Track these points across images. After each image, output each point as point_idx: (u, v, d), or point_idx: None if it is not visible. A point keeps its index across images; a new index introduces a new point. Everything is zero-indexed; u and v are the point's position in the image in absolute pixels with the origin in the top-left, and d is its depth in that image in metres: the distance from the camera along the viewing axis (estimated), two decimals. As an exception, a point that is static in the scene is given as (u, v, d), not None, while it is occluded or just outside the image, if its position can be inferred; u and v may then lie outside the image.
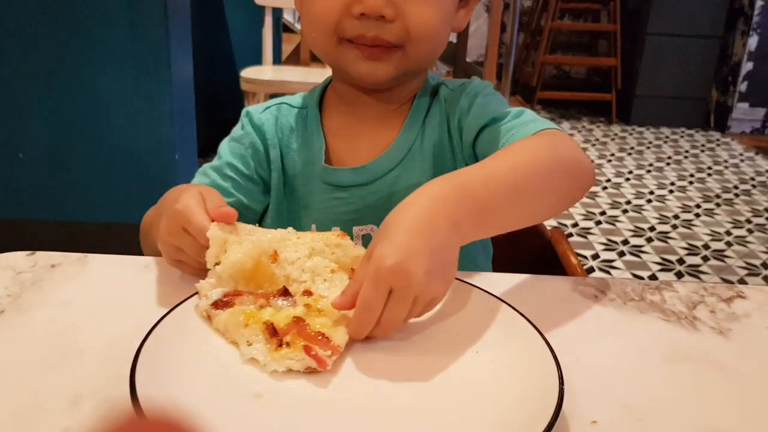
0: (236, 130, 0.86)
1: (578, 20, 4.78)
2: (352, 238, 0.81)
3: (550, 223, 2.90)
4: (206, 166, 0.84)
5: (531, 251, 1.03)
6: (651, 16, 4.22)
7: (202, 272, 0.60)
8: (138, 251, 0.77)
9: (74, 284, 0.66)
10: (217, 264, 0.59)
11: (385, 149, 0.80)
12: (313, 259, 0.61)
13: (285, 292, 0.59)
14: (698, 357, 0.58)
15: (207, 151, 3.42)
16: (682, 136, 4.30)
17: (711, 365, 0.57)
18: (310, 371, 0.52)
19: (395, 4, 0.71)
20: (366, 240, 0.81)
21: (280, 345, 0.52)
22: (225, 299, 0.57)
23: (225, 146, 0.84)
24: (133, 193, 2.22)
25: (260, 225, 0.87)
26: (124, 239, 2.23)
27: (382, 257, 0.53)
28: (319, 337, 0.53)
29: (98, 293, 0.65)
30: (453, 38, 3.22)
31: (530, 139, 0.70)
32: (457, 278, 0.60)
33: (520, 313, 0.57)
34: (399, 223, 0.56)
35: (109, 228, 2.24)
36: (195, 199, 0.63)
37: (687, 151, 4.01)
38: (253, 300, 0.58)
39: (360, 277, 0.56)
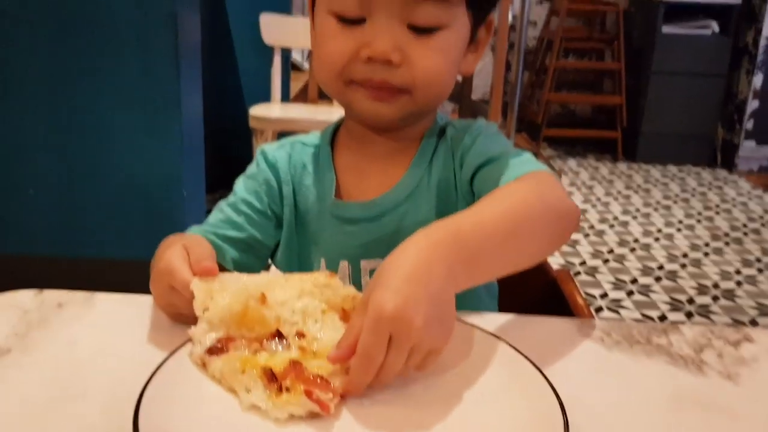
0: (251, 168, 0.88)
1: (582, 59, 4.83)
2: (360, 272, 0.82)
3: (556, 262, 2.89)
4: (222, 203, 0.86)
5: (537, 291, 1.02)
6: (655, 54, 4.25)
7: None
8: (145, 286, 0.78)
9: (80, 323, 0.66)
10: (206, 311, 0.59)
11: (393, 185, 0.82)
12: (302, 300, 0.61)
13: (278, 335, 0.58)
14: (705, 401, 0.57)
15: (215, 187, 3.44)
16: (688, 174, 4.30)
17: (718, 410, 0.56)
18: (312, 416, 0.51)
19: (402, 50, 0.72)
20: (374, 274, 0.81)
21: (280, 390, 0.52)
22: (219, 345, 0.57)
23: (240, 183, 0.87)
24: (140, 228, 2.22)
25: (272, 259, 0.89)
26: (130, 275, 2.23)
27: (381, 303, 0.52)
28: (318, 380, 0.53)
29: (103, 333, 0.65)
30: (458, 77, 3.25)
31: (519, 183, 0.70)
32: (459, 319, 0.60)
33: (524, 355, 0.57)
34: (395, 269, 0.55)
35: (117, 264, 2.24)
36: (177, 255, 0.64)
37: (694, 189, 4.00)
38: (246, 344, 0.57)
39: (355, 326, 0.54)
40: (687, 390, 0.59)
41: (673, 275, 2.84)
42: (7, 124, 2.11)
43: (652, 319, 2.46)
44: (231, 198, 0.86)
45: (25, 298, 0.69)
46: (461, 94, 3.38)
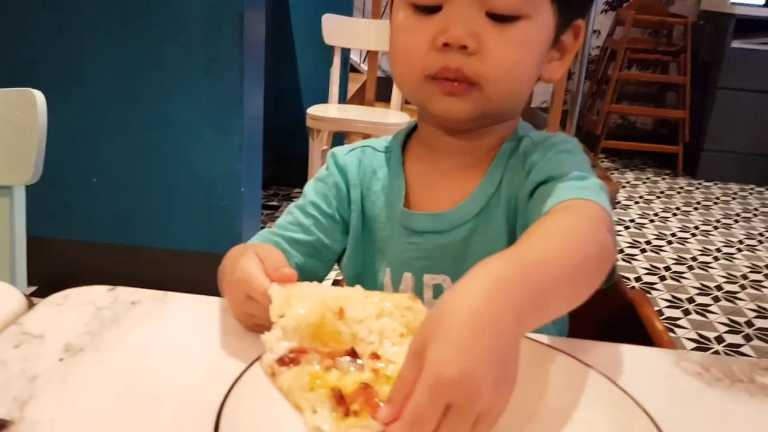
0: (322, 171, 0.87)
1: (646, 71, 4.71)
2: (423, 286, 0.79)
3: (629, 279, 2.82)
4: (291, 206, 0.85)
5: (609, 314, 0.98)
6: (723, 69, 4.13)
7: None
8: (205, 278, 0.77)
9: (153, 324, 0.65)
10: (282, 317, 0.57)
11: (464, 199, 0.79)
12: (381, 320, 0.58)
13: (352, 353, 0.56)
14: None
15: (270, 183, 3.48)
16: (751, 193, 4.17)
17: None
18: None
19: (479, 37, 0.69)
20: (437, 290, 0.79)
21: (347, 414, 0.49)
22: (291, 355, 0.55)
23: (310, 186, 0.86)
24: (200, 222, 2.25)
25: (338, 265, 0.87)
26: (190, 267, 2.27)
27: (442, 363, 0.44)
28: None
29: (176, 336, 0.64)
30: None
31: (575, 216, 0.63)
32: (546, 344, 0.56)
33: (624, 391, 0.53)
34: (458, 316, 0.46)
35: (176, 255, 2.27)
36: (252, 264, 0.62)
37: (756, 209, 3.87)
38: (319, 359, 0.55)
39: (407, 379, 0.46)
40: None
41: (731, 296, 2.74)
42: (74, 114, 2.16)
43: (708, 339, 2.39)
44: (301, 201, 0.85)
45: (98, 293, 0.69)
46: (521, 102, 3.31)
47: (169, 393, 0.54)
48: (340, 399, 0.50)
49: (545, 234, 0.60)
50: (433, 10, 0.71)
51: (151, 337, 0.62)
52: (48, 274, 2.31)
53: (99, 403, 0.53)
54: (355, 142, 0.90)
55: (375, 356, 0.55)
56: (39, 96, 1.14)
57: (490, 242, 0.77)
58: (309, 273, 0.82)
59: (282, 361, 0.54)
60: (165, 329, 0.64)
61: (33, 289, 2.31)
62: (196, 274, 2.30)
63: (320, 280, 0.84)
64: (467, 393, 0.44)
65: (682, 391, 0.59)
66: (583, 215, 0.64)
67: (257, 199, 2.47)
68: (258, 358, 0.55)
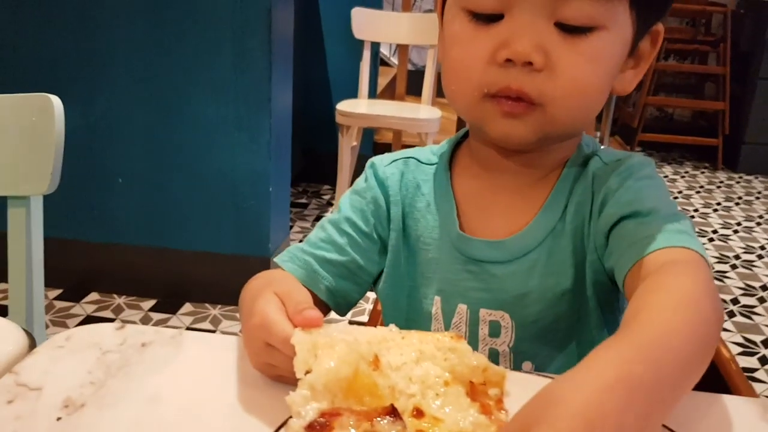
0: (359, 182, 0.79)
1: (684, 61, 4.57)
2: (478, 321, 0.71)
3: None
4: (325, 220, 0.77)
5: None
6: (764, 59, 4.00)
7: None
8: (228, 282, 0.70)
9: (165, 372, 0.58)
10: (308, 372, 0.49)
11: (525, 225, 0.70)
12: (422, 366, 0.52)
13: (392, 412, 0.48)
14: None
15: (299, 180, 3.42)
16: (793, 188, 4.03)
17: None
18: None
19: (547, 51, 0.61)
20: (493, 327, 0.70)
21: None
22: (321, 420, 0.47)
23: (346, 199, 0.78)
24: (227, 223, 2.21)
25: (374, 288, 0.79)
26: (216, 269, 2.22)
27: None
28: None
29: (190, 387, 0.56)
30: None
31: (693, 284, 0.54)
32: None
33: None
34: (570, 407, 0.40)
35: (203, 257, 2.23)
36: (272, 306, 0.55)
37: (799, 205, 3.73)
38: (354, 421, 0.47)
39: None
40: None
41: (779, 299, 2.63)
42: (99, 114, 2.12)
43: (754, 343, 2.29)
44: (335, 215, 0.77)
45: (105, 333, 0.62)
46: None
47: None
48: None
49: (662, 310, 0.51)
50: (493, 18, 0.62)
51: (162, 390, 0.55)
52: (73, 277, 2.29)
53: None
54: (397, 151, 0.81)
55: (418, 412, 0.49)
56: (56, 101, 1.08)
57: (555, 276, 0.69)
58: (341, 296, 0.74)
59: (312, 428, 0.47)
60: (178, 379, 0.57)
61: (59, 292, 2.29)
62: (223, 277, 2.26)
63: (353, 304, 0.77)
64: None
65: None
66: (694, 278, 0.55)
67: (285, 199, 2.41)
68: (283, 424, 0.48)
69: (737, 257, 2.99)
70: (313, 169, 3.30)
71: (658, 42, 0.69)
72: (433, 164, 0.78)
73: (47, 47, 2.08)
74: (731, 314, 2.48)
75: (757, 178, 4.16)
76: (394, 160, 0.79)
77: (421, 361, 0.52)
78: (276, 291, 0.57)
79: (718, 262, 2.92)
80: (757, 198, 3.81)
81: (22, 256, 1.10)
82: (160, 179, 2.19)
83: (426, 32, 2.80)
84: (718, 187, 3.97)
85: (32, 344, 0.62)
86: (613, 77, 0.66)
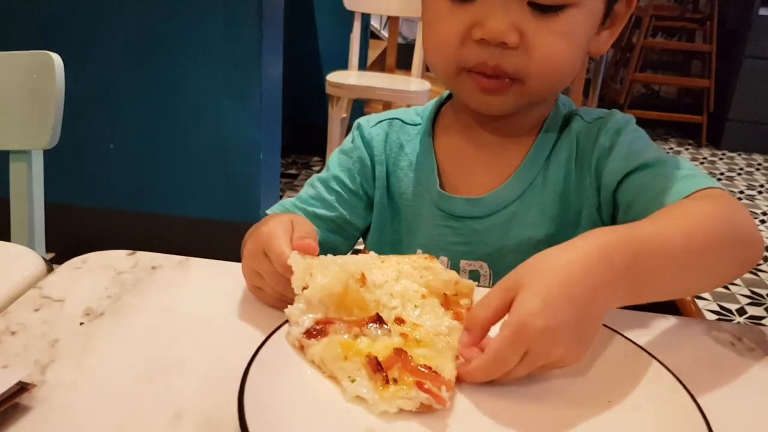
0: (347, 142, 0.83)
1: (672, 39, 4.61)
2: (459, 272, 0.75)
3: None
4: (314, 178, 0.82)
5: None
6: (749, 37, 4.03)
7: (278, 303, 0.57)
8: (220, 247, 0.74)
9: (174, 289, 0.64)
10: (305, 288, 0.55)
11: (504, 182, 0.74)
12: (401, 283, 0.58)
13: (378, 319, 0.54)
14: None
15: (289, 151, 3.45)
16: (775, 165, 4.09)
17: None
18: (422, 410, 0.47)
19: (521, 31, 0.63)
20: (473, 276, 0.76)
21: (387, 381, 0.48)
22: (317, 327, 0.53)
23: (334, 158, 0.82)
24: (218, 189, 2.24)
25: (363, 240, 0.84)
26: (208, 234, 2.27)
27: (531, 315, 0.47)
28: (426, 370, 0.49)
29: (198, 301, 0.62)
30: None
31: (702, 201, 0.61)
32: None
33: (663, 365, 0.51)
34: (557, 275, 0.49)
35: (194, 223, 2.27)
36: (282, 227, 0.60)
37: (781, 180, 3.81)
38: (346, 328, 0.54)
39: (489, 306, 0.51)
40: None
41: (755, 269, 2.70)
42: (91, 80, 2.14)
43: (729, 311, 2.37)
44: (324, 174, 0.82)
45: (117, 258, 0.68)
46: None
47: (191, 358, 0.53)
48: (376, 366, 0.49)
49: (666, 216, 0.59)
50: None
51: (172, 303, 0.61)
52: (66, 241, 2.32)
53: (121, 367, 0.52)
54: (384, 111, 0.85)
55: (400, 320, 0.55)
56: (57, 59, 1.12)
57: (532, 227, 0.74)
58: (330, 249, 0.79)
59: (309, 334, 0.53)
60: (186, 295, 0.63)
61: (51, 255, 2.32)
62: (214, 242, 2.30)
63: None
64: (545, 347, 0.48)
65: (714, 360, 0.58)
66: (712, 200, 0.61)
67: (276, 167, 2.45)
68: (282, 324, 0.54)
69: (717, 230, 3.07)
70: (303, 141, 3.33)
71: (633, 2, 0.72)
72: (416, 125, 0.81)
73: (40, 12, 2.09)
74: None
75: (739, 155, 4.21)
76: (379, 121, 0.82)
77: (400, 279, 0.58)
78: (291, 218, 0.63)
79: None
80: (739, 174, 3.86)
81: (24, 209, 1.14)
82: (151, 145, 2.22)
83: (416, 4, 2.78)
84: (702, 163, 4.02)
85: (49, 269, 0.67)
86: (587, 46, 0.70)
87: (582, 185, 0.73)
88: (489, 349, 0.49)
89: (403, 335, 0.53)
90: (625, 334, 0.56)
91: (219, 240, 2.07)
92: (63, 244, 2.37)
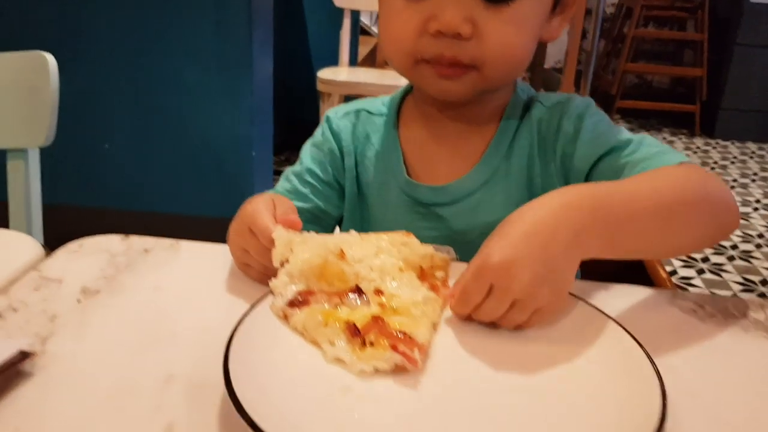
0: (317, 135, 0.86)
1: (663, 28, 4.64)
2: None
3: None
4: (289, 171, 0.84)
5: (618, 265, 0.99)
6: (741, 25, 4.06)
7: (266, 278, 0.60)
8: (218, 241, 0.77)
9: (166, 269, 0.67)
10: (283, 263, 0.59)
11: (468, 170, 0.77)
12: (380, 257, 0.61)
13: (358, 290, 0.58)
14: (808, 380, 0.54)
15: (282, 149, 3.48)
16: (769, 152, 4.12)
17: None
18: (396, 371, 0.51)
19: (474, 22, 0.66)
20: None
21: (364, 344, 0.52)
22: (299, 298, 0.57)
23: (307, 151, 0.85)
24: (211, 187, 2.27)
25: (339, 228, 0.87)
26: (201, 232, 2.29)
27: (490, 253, 0.53)
28: (401, 335, 0.53)
29: (189, 280, 0.66)
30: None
31: (675, 168, 0.65)
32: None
33: (622, 326, 0.54)
34: (518, 223, 0.55)
35: (188, 220, 2.30)
36: (265, 204, 0.64)
37: (774, 168, 3.83)
38: (326, 299, 0.57)
39: (469, 267, 0.56)
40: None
41: (747, 255, 2.73)
42: (84, 80, 2.17)
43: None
44: (298, 167, 0.84)
45: (112, 242, 0.71)
46: (534, 62, 3.29)
47: (181, 330, 0.57)
48: (354, 331, 0.53)
49: (635, 177, 0.63)
50: None
51: (163, 282, 0.65)
52: (61, 240, 2.34)
53: (116, 339, 0.56)
54: (351, 102, 0.87)
55: (378, 292, 0.58)
56: (50, 59, 1.15)
57: (497, 213, 0.74)
58: None
59: (292, 304, 0.56)
60: (177, 274, 0.67)
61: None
62: (208, 239, 2.32)
63: None
64: (503, 277, 0.52)
65: (676, 326, 0.61)
66: (686, 168, 0.64)
67: (268, 164, 2.49)
68: (265, 295, 0.57)
69: (710, 218, 3.10)
70: (295, 137, 3.32)
71: None
72: (382, 115, 0.83)
73: (32, 13, 2.12)
74: (701, 272, 2.58)
75: (733, 143, 4.24)
76: (346, 113, 0.85)
77: (379, 254, 0.61)
78: (272, 196, 0.66)
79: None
80: (732, 162, 3.89)
81: (22, 206, 1.18)
82: (145, 145, 2.25)
83: None
84: (695, 152, 4.05)
85: (47, 254, 0.71)
86: (539, 33, 0.72)
87: (546, 172, 0.76)
88: (455, 287, 0.55)
89: (381, 305, 0.57)
90: (590, 302, 0.59)
91: (212, 237, 2.09)
92: (58, 243, 2.40)
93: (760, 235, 2.94)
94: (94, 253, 0.69)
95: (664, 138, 4.27)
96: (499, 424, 0.46)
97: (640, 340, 0.52)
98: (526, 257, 0.52)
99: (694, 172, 0.64)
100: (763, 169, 3.80)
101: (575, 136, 0.73)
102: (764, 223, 3.07)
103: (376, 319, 0.54)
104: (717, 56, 4.21)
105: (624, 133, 0.73)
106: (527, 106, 0.78)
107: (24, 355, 0.49)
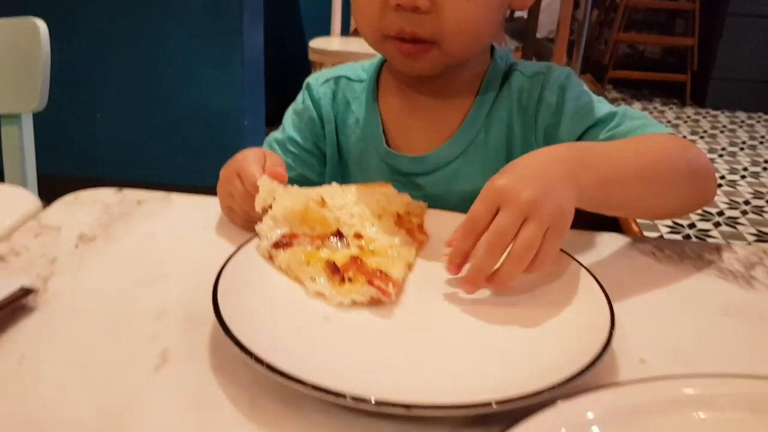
0: (298, 103, 0.87)
1: (655, -2, 4.63)
2: None
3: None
4: (271, 138, 0.86)
5: (590, 215, 1.03)
6: (733, -5, 4.06)
7: (248, 224, 0.64)
8: None
9: (158, 219, 0.71)
10: (265, 210, 0.63)
11: (447, 139, 0.78)
12: (359, 205, 0.65)
13: (339, 234, 0.62)
14: (752, 312, 0.59)
15: (274, 119, 3.49)
16: (758, 122, 4.13)
17: (765, 320, 0.58)
18: (372, 303, 0.55)
19: None
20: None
21: (343, 281, 0.56)
22: (284, 240, 0.61)
23: (288, 119, 0.86)
24: (203, 156, 2.30)
25: None
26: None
27: (494, 180, 0.55)
28: (378, 273, 0.57)
29: (179, 228, 0.70)
30: (524, 13, 3.17)
31: (658, 135, 0.68)
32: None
33: (574, 258, 0.59)
34: (516, 164, 0.57)
35: (180, 190, 2.33)
36: (255, 155, 0.67)
37: (763, 137, 3.85)
38: (309, 241, 0.61)
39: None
40: (734, 301, 0.60)
41: (732, 221, 2.77)
42: (77, 50, 2.18)
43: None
44: (280, 134, 0.85)
45: (106, 194, 0.75)
46: (526, 32, 3.29)
47: (173, 271, 0.61)
48: (334, 269, 0.57)
49: (617, 141, 0.65)
50: None
51: (156, 229, 0.69)
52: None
53: (112, 278, 0.60)
54: (332, 68, 0.87)
55: (358, 236, 0.62)
56: (41, 24, 1.17)
57: (475, 181, 0.75)
58: None
59: (277, 245, 0.60)
60: (169, 222, 0.71)
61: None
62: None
63: None
64: (511, 193, 0.54)
65: (635, 267, 0.65)
66: (667, 136, 0.68)
67: (260, 133, 2.51)
68: (251, 238, 0.61)
69: (698, 186, 3.14)
70: (288, 107, 3.36)
71: None
72: (362, 81, 0.83)
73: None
74: (687, 237, 2.62)
75: (723, 112, 4.25)
76: (326, 80, 0.85)
77: (358, 203, 0.65)
78: (264, 152, 0.70)
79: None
80: (722, 132, 3.91)
81: (17, 172, 1.20)
82: (138, 114, 2.27)
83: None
84: (685, 121, 4.06)
85: (45, 206, 0.74)
86: (502, 4, 0.72)
87: (527, 142, 0.77)
88: (453, 237, 0.57)
89: (360, 247, 0.61)
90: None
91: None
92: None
93: (746, 202, 2.98)
94: (89, 204, 0.73)
95: (655, 108, 4.29)
96: (463, 348, 0.51)
97: (596, 275, 0.56)
98: (528, 178, 0.55)
99: (677, 140, 0.67)
100: (752, 138, 3.83)
101: (559, 108, 0.74)
102: (751, 190, 3.10)
103: (355, 259, 0.58)
104: (709, 26, 4.21)
105: (606, 104, 0.74)
106: (506, 75, 0.78)
107: (26, 291, 0.53)
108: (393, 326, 0.53)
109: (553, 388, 0.43)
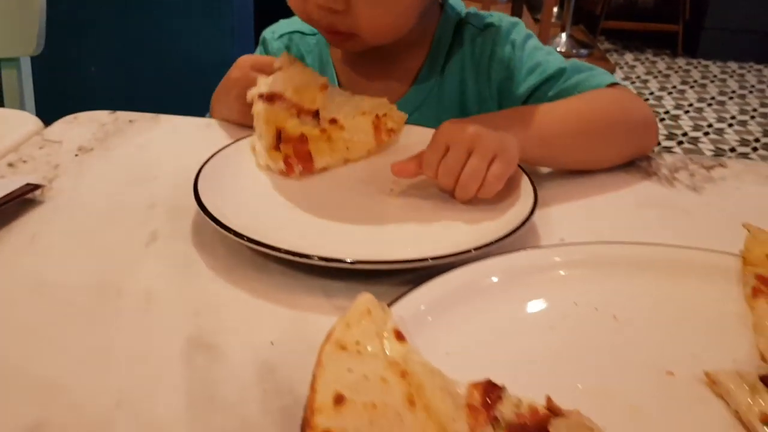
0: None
1: (648, -53, 4.61)
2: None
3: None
4: None
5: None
6: (727, -57, 4.05)
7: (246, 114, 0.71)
8: None
9: (149, 133, 0.80)
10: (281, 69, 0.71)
11: (402, 96, 0.80)
12: (350, 104, 0.71)
13: (316, 114, 0.69)
14: (669, 205, 0.67)
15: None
16: (749, 71, 4.15)
17: (679, 211, 0.66)
18: (283, 174, 0.65)
19: None
20: None
21: (277, 149, 0.65)
22: (270, 95, 0.69)
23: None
24: (194, 107, 2.33)
25: None
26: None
27: (443, 123, 0.62)
28: (306, 155, 0.66)
29: (169, 141, 0.79)
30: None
31: (601, 91, 0.72)
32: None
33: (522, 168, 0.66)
34: (464, 119, 0.64)
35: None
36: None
37: (753, 86, 3.87)
38: (288, 106, 0.69)
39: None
40: (654, 196, 0.68)
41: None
42: (69, 3, 2.21)
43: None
44: None
45: (101, 116, 0.84)
46: (516, -19, 3.30)
47: (162, 174, 0.70)
48: (278, 135, 0.66)
49: (562, 102, 0.70)
50: None
51: (147, 142, 0.78)
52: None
53: (108, 179, 0.69)
54: (287, 21, 0.89)
55: (333, 121, 0.70)
56: (37, -30, 1.23)
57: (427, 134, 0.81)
58: None
59: (261, 96, 0.69)
60: (159, 136, 0.80)
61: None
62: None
63: None
64: (457, 132, 0.60)
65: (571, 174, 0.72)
66: (607, 90, 0.72)
67: (252, 85, 2.55)
68: (236, 141, 0.70)
69: (684, 134, 3.16)
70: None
71: None
72: (315, 34, 0.85)
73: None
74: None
75: (714, 63, 4.25)
76: (281, 35, 0.87)
77: (352, 100, 0.72)
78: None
79: (666, 139, 3.09)
80: (712, 81, 3.93)
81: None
82: (131, 67, 2.30)
83: None
84: (676, 72, 4.08)
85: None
86: (414, 5, 0.72)
87: (481, 96, 0.79)
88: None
89: (323, 130, 0.68)
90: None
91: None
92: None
93: (732, 149, 3.03)
94: (86, 123, 0.81)
95: (647, 58, 4.31)
96: (404, 224, 0.60)
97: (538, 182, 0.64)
98: (472, 121, 0.61)
99: (617, 94, 0.72)
100: (742, 87, 3.86)
101: (511, 63, 0.77)
102: (737, 138, 3.16)
103: (302, 137, 0.67)
104: (701, -25, 4.21)
105: (556, 57, 0.77)
106: (458, 27, 0.80)
107: (34, 186, 0.62)
108: (348, 202, 0.64)
109: (479, 248, 0.52)
